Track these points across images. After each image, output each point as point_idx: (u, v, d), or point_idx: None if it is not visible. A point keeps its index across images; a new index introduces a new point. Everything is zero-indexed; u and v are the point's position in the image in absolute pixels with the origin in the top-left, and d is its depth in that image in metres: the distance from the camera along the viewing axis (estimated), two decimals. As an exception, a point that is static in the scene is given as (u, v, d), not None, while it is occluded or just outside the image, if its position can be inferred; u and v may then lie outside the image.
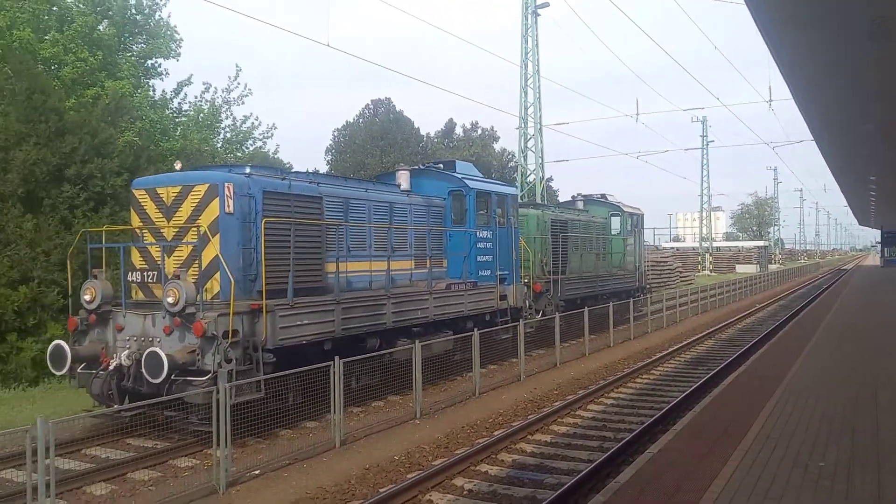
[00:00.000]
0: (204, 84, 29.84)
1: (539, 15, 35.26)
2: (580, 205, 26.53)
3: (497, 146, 55.71)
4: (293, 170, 15.95)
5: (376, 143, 48.36)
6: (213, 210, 10.85)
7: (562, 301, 20.81)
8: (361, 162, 46.90)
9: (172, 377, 9.80)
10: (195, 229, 10.79)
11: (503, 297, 17.28)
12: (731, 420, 9.79)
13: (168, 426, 10.24)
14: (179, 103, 30.12)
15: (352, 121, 52.46)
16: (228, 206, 10.90)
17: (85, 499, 8.39)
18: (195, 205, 10.98)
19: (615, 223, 26.62)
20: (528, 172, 36.80)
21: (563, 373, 16.57)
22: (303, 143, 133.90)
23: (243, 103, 30.54)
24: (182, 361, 9.83)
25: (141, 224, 11.50)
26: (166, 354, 9.69)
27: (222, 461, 8.56)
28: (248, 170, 11.95)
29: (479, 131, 55.81)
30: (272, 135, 33.02)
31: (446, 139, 55.22)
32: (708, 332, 24.02)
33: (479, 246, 16.64)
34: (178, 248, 11.00)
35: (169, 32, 28.15)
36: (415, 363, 12.26)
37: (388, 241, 14.23)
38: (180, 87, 29.92)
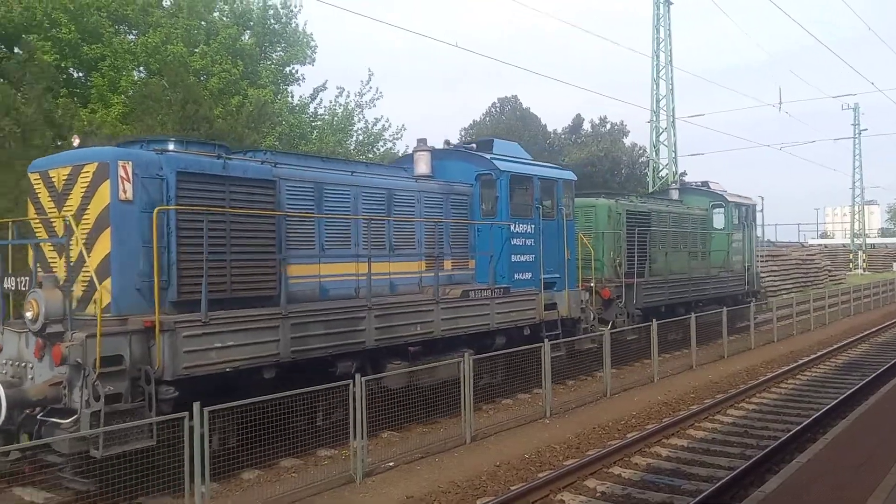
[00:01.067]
0: (337, 88, 31.16)
1: (672, 3, 34.08)
2: (674, 194, 23.37)
3: (627, 141, 54.32)
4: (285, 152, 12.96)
5: (503, 141, 48.43)
6: (103, 196, 8.51)
7: (638, 310, 17.47)
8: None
9: (41, 416, 7.95)
10: (84, 220, 8.58)
11: (550, 306, 14.27)
12: (891, 429, 9.06)
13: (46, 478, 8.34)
14: (315, 108, 31.61)
15: (478, 119, 52.87)
16: (124, 192, 8.54)
17: (235, 483, 8.94)
18: (84, 190, 8.71)
19: (717, 215, 22.68)
20: (661, 167, 35.66)
21: (700, 375, 15.92)
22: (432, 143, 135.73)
23: (375, 106, 31.53)
24: (37, 398, 7.88)
25: (35, 214, 9.27)
26: (6, 390, 7.81)
27: (359, 452, 8.88)
28: (170, 146, 9.57)
29: (608, 126, 54.59)
30: (402, 136, 33.96)
31: (573, 135, 54.45)
32: (861, 335, 22.28)
33: (513, 243, 13.58)
34: (71, 247, 8.58)
35: (305, 39, 29.59)
36: (544, 362, 12.17)
37: (385, 236, 11.84)
38: (316, 92, 31.40)
